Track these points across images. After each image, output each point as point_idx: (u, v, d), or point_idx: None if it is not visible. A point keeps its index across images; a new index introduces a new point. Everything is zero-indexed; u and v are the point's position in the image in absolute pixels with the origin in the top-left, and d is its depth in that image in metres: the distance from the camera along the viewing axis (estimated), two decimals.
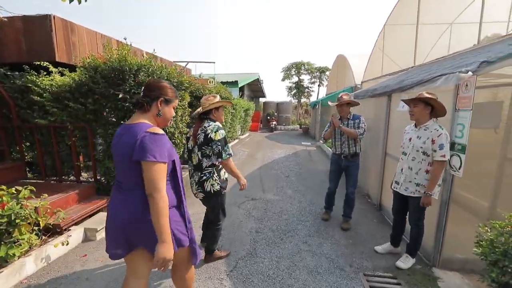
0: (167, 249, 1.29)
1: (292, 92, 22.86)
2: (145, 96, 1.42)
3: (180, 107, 4.32)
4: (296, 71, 22.19)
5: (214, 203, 2.40)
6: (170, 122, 1.63)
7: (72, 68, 3.81)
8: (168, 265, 1.33)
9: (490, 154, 2.90)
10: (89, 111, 3.58)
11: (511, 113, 2.69)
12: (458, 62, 2.91)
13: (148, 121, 1.40)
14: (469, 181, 2.69)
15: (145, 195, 1.30)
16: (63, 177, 3.93)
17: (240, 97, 14.86)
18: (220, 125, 2.32)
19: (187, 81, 4.35)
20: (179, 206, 1.49)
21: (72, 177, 4.01)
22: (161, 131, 1.34)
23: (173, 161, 1.43)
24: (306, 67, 21.87)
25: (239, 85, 11.47)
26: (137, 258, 1.46)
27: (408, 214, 2.66)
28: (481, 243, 1.84)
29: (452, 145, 2.39)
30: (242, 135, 13.76)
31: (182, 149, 4.71)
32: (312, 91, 22.77)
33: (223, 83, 8.04)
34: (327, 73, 20.68)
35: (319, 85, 22.42)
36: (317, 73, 21.86)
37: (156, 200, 1.26)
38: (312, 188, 5.01)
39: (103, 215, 3.33)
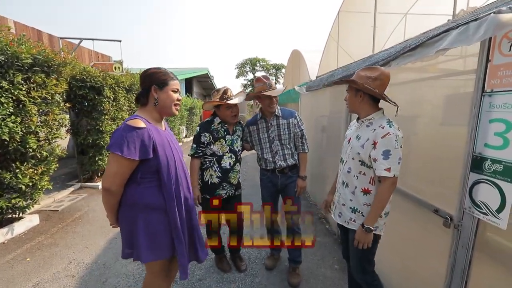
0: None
1: (248, 90, 21.68)
2: (141, 91, 1.38)
3: (33, 99, 2.59)
4: (251, 68, 21.07)
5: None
6: (177, 108, 1.42)
7: None
8: None
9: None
10: None
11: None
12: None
13: (144, 114, 1.34)
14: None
15: (129, 188, 1.31)
16: None
17: (188, 94, 13.13)
18: (209, 122, 2.09)
19: (31, 54, 2.61)
20: (165, 210, 1.34)
21: None
22: (139, 125, 1.24)
23: (157, 159, 1.29)
24: (261, 63, 20.86)
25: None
26: None
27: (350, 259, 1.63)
28: None
29: (478, 162, 1.22)
30: (188, 137, 12.03)
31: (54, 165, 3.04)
32: None
33: None
34: (283, 70, 19.96)
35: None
36: (273, 70, 21.02)
37: (103, 194, 1.28)
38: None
39: None
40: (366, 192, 1.43)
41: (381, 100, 1.45)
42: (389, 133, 1.31)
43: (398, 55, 1.78)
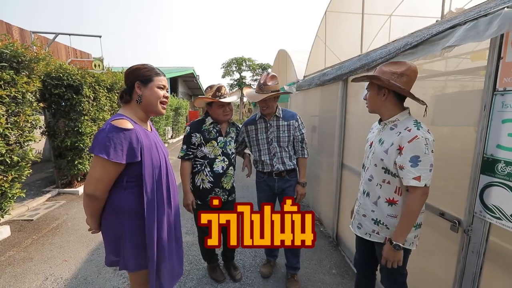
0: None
1: (234, 90, 21.49)
2: (125, 88, 1.30)
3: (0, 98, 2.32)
4: (237, 67, 20.90)
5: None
6: (164, 106, 1.32)
7: None
8: None
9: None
10: None
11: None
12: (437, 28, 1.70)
13: (128, 113, 1.24)
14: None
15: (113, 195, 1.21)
16: None
17: (173, 94, 12.78)
18: (200, 122, 1.96)
19: None
20: (141, 214, 1.22)
21: None
22: (127, 125, 1.15)
23: (143, 164, 1.19)
24: (247, 63, 20.74)
25: None
26: None
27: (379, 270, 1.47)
28: None
29: (490, 165, 1.17)
30: (174, 138, 11.71)
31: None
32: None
33: None
34: (269, 70, 19.96)
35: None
36: (259, 70, 20.95)
37: (85, 200, 1.18)
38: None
39: None
40: (391, 202, 1.28)
41: (406, 99, 1.30)
42: (417, 136, 1.16)
43: (398, 52, 1.72)
